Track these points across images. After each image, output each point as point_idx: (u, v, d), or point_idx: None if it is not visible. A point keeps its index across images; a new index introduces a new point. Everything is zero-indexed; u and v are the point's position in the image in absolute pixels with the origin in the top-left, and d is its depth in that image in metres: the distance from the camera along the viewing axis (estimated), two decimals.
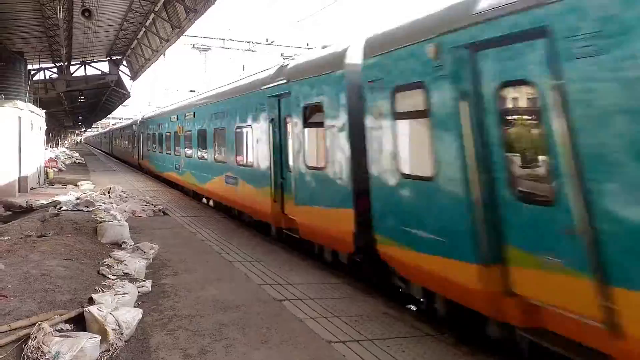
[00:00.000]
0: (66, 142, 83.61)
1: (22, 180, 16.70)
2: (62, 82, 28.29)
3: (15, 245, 8.18)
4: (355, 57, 7.17)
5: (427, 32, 5.51)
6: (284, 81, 9.23)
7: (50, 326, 4.53)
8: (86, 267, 7.20)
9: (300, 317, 5.79)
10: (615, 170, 3.64)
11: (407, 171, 6.01)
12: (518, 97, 4.74)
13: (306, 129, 8.50)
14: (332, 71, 7.63)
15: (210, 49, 38.46)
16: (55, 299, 5.64)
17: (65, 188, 18.63)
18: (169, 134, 20.72)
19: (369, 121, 6.64)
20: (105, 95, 37.96)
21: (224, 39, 35.19)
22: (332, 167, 7.63)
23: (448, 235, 5.28)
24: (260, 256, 8.79)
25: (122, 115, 74.29)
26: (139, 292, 6.23)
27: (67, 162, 36.75)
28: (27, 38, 21.51)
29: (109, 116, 74.07)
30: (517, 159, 4.66)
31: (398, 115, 6.11)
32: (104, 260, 7.57)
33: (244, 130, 11.56)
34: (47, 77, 28.30)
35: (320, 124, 7.98)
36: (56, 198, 14.44)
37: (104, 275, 6.93)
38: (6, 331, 4.66)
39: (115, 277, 6.85)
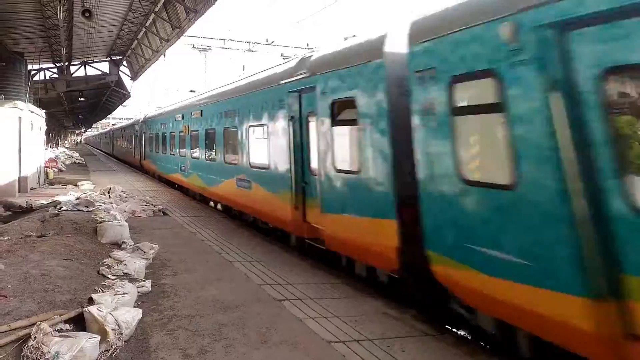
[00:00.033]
0: (66, 142, 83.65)
1: (22, 181, 16.70)
2: (62, 82, 28.30)
3: (15, 245, 8.17)
4: (396, 45, 6.28)
5: (499, 9, 4.60)
6: (307, 74, 8.34)
7: (49, 326, 4.53)
8: (86, 267, 7.20)
9: (300, 317, 5.79)
10: None
11: (473, 177, 5.02)
12: (630, 86, 3.85)
13: (335, 128, 7.55)
14: (367, 61, 6.67)
15: (210, 49, 38.48)
16: (55, 299, 5.64)
17: (65, 188, 18.63)
18: (173, 133, 19.71)
19: (416, 117, 5.60)
20: (105, 95, 37.97)
21: (224, 39, 35.21)
22: (369, 170, 6.69)
23: (538, 258, 4.21)
24: (260, 256, 8.79)
25: (122, 115, 74.36)
26: (138, 292, 6.23)
27: (67, 162, 36.76)
28: (28, 38, 21.52)
29: (109, 116, 74.11)
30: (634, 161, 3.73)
31: (457, 110, 5.14)
32: (104, 261, 7.57)
33: (259, 129, 10.64)
34: (47, 77, 28.32)
35: (352, 122, 7.09)
36: (56, 198, 14.44)
37: (103, 276, 6.93)
38: (6, 331, 4.66)
39: (115, 277, 6.85)
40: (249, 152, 11.19)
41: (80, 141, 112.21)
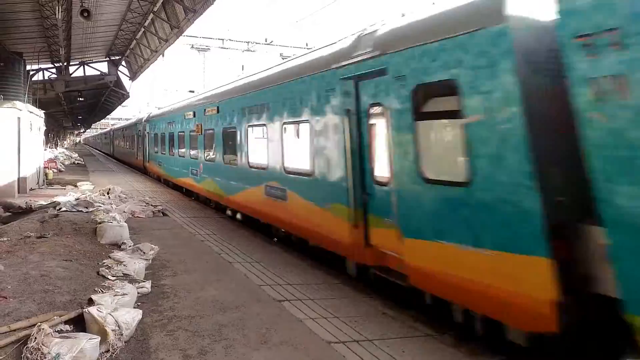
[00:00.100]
0: (65, 142, 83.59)
1: (21, 181, 16.68)
2: (61, 82, 28.32)
3: (15, 246, 8.17)
4: (525, 5, 4.80)
5: None
6: (372, 55, 6.53)
7: (49, 327, 4.53)
8: (86, 268, 7.20)
9: (299, 317, 5.80)
10: None
11: None
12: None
13: (420, 123, 5.74)
14: (480, 28, 4.87)
15: (209, 49, 38.55)
16: (54, 300, 5.64)
17: (65, 189, 18.62)
18: (182, 133, 17.71)
19: (584, 103, 3.83)
20: (104, 95, 37.98)
21: (223, 39, 35.31)
22: (487, 182, 4.82)
23: None
24: (259, 257, 8.79)
25: (121, 115, 74.28)
26: (138, 293, 6.23)
27: (66, 162, 36.72)
28: (26, 38, 21.52)
29: (108, 117, 74.08)
30: None
31: None
32: (104, 261, 7.57)
33: (297, 126, 9.02)
34: (46, 77, 28.36)
35: (451, 114, 5.34)
36: (55, 199, 14.43)
37: (103, 276, 6.92)
38: (6, 332, 4.66)
39: (114, 278, 6.85)
40: (283, 155, 9.31)
41: (79, 142, 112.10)
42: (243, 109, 11.42)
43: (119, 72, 31.76)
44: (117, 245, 8.97)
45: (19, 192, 16.26)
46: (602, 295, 4.09)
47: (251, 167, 10.98)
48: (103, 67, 30.72)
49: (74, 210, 12.22)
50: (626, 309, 3.68)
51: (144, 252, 8.20)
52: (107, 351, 4.57)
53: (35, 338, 4.32)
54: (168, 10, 21.30)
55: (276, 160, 9.60)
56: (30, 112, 18.44)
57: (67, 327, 4.90)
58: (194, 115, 15.96)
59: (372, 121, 6.85)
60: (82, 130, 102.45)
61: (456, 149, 5.32)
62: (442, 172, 5.61)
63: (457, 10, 5.38)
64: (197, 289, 6.75)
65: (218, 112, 13.43)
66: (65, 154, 44.81)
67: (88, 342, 4.36)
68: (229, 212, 13.54)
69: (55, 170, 25.84)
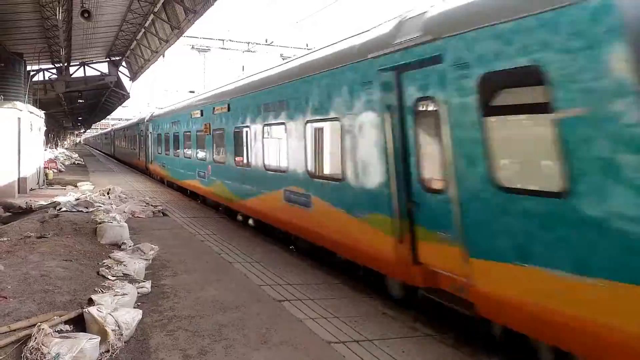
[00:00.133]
0: (65, 143, 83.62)
1: (21, 181, 16.69)
2: (61, 83, 28.34)
3: (15, 246, 8.17)
4: None
5: None
6: (424, 39, 5.53)
7: (49, 327, 4.53)
8: (86, 268, 7.20)
9: (299, 317, 5.80)
10: None
11: None
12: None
13: (490, 119, 4.80)
14: (569, 3, 4.04)
15: (209, 49, 38.60)
16: (54, 300, 5.64)
17: (65, 189, 18.63)
18: (188, 133, 16.77)
19: None
20: (104, 96, 38.04)
21: (223, 40, 35.35)
22: (596, 192, 3.87)
23: None
24: (259, 257, 8.79)
25: (122, 116, 74.30)
26: (138, 293, 6.23)
27: (67, 163, 36.73)
28: (27, 39, 21.54)
29: (108, 117, 74.14)
30: None
31: None
32: (104, 261, 7.57)
33: (324, 125, 8.08)
34: (46, 78, 28.38)
35: (535, 108, 4.52)
36: (55, 199, 14.44)
37: (103, 276, 6.92)
38: (6, 332, 4.66)
39: (114, 278, 6.85)
40: (307, 157, 8.32)
41: (80, 142, 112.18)
42: (258, 106, 10.39)
43: (119, 73, 31.80)
44: (117, 246, 8.97)
45: (19, 192, 16.26)
46: None
47: (267, 169, 10.04)
48: (103, 67, 30.77)
49: (74, 210, 12.22)
50: None
51: (144, 252, 8.20)
52: (107, 351, 4.57)
53: (35, 338, 4.31)
54: (168, 11, 21.33)
55: (298, 162, 8.60)
56: (31, 113, 18.46)
57: (67, 327, 4.90)
58: (202, 114, 14.97)
59: (420, 118, 5.84)
60: (82, 131, 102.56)
61: (545, 150, 4.35)
62: (525, 179, 4.71)
63: None
64: (197, 289, 6.75)
65: (229, 110, 12.46)
66: (66, 154, 44.83)
67: (88, 342, 4.36)
68: (239, 217, 12.79)
69: (55, 171, 25.86)
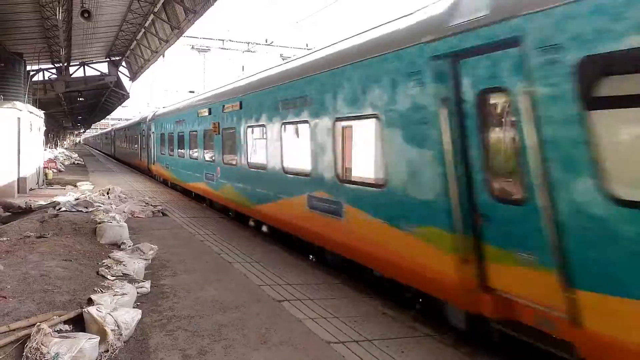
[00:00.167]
0: (65, 143, 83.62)
1: (21, 181, 16.70)
2: (61, 83, 28.35)
3: (15, 246, 8.17)
4: None
5: None
6: (495, 19, 4.65)
7: (49, 327, 4.53)
8: (85, 268, 7.20)
9: (299, 317, 5.80)
10: None
11: None
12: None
13: (598, 113, 3.86)
14: None
15: (209, 49, 38.69)
16: (54, 300, 5.64)
17: (64, 189, 18.63)
18: (195, 133, 15.75)
19: None
20: (104, 96, 38.05)
21: (223, 40, 35.40)
22: None
23: None
24: (259, 257, 8.79)
25: (121, 116, 74.29)
26: (138, 293, 6.23)
27: (66, 162, 36.73)
28: (27, 39, 21.54)
29: (107, 117, 74.13)
30: None
31: None
32: (103, 261, 7.57)
33: (359, 123, 7.09)
34: (46, 78, 28.38)
35: None
36: (55, 199, 14.45)
37: (103, 276, 6.92)
38: (5, 332, 4.66)
39: (114, 277, 6.85)
40: (337, 159, 7.40)
41: (79, 142, 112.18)
42: (276, 103, 9.40)
43: (119, 73, 31.82)
44: (117, 245, 8.97)
45: (18, 192, 16.26)
46: None
47: (287, 172, 9.04)
48: (103, 67, 30.78)
49: (74, 210, 12.22)
50: None
51: (144, 252, 8.19)
52: (107, 351, 4.57)
53: (35, 338, 4.31)
54: (168, 11, 21.34)
55: (325, 165, 7.66)
56: (30, 113, 18.46)
57: (67, 327, 4.90)
58: (210, 113, 13.98)
59: (486, 113, 4.92)
60: (82, 131, 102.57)
61: None
62: None
63: None
64: (197, 289, 6.75)
65: (241, 108, 11.43)
66: (65, 154, 44.83)
67: (87, 342, 4.36)
68: (251, 223, 11.80)
69: (55, 170, 25.86)
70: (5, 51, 19.93)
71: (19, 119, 16.44)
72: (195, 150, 15.78)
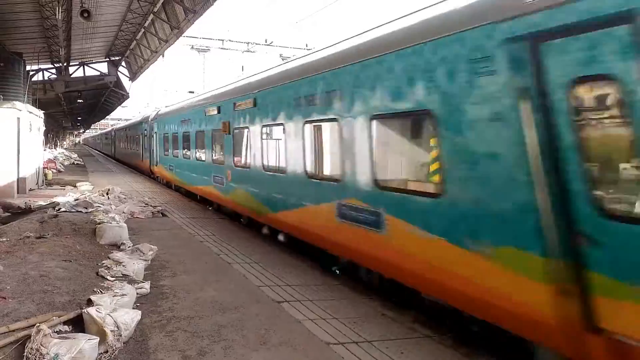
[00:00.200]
0: (65, 143, 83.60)
1: (20, 182, 16.69)
2: (60, 83, 28.36)
3: (14, 246, 8.17)
4: None
5: None
6: None
7: (48, 327, 4.53)
8: (85, 269, 7.20)
9: (298, 318, 5.80)
10: None
11: None
12: None
13: None
14: None
15: (209, 49, 38.66)
16: (53, 300, 5.64)
17: (64, 189, 18.63)
18: (201, 132, 14.84)
19: None
20: (104, 96, 38.04)
21: (222, 40, 35.39)
22: None
23: None
24: (258, 257, 8.79)
25: (121, 116, 74.28)
26: (137, 294, 6.23)
27: (66, 163, 36.74)
28: (26, 39, 21.55)
29: (107, 117, 74.11)
30: None
31: None
32: (103, 262, 7.57)
33: (404, 121, 6.42)
34: (45, 78, 28.39)
35: None
36: (55, 199, 14.44)
37: (102, 277, 6.92)
38: (5, 332, 4.66)
39: (113, 278, 6.86)
40: (376, 163, 6.44)
41: (79, 142, 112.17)
42: (297, 100, 8.46)
43: (118, 73, 31.83)
44: (117, 246, 8.97)
45: (18, 193, 16.26)
46: None
47: (311, 177, 8.11)
48: (103, 67, 30.80)
49: (73, 210, 12.22)
50: None
51: (143, 253, 8.20)
52: (106, 352, 4.57)
53: (35, 338, 4.31)
54: (168, 10, 21.34)
55: (360, 169, 6.70)
56: (30, 113, 18.46)
57: (66, 327, 4.90)
58: (219, 111, 13.01)
59: (585, 107, 4.10)
60: (81, 131, 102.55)
61: None
62: None
63: None
64: (197, 290, 6.75)
65: (255, 105, 10.39)
66: (65, 155, 44.84)
67: (87, 343, 4.36)
68: (265, 231, 10.76)
69: (54, 171, 25.86)
70: (4, 51, 19.93)
71: (18, 119, 16.43)
72: (202, 151, 14.88)
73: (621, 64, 3.65)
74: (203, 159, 14.78)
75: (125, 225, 10.02)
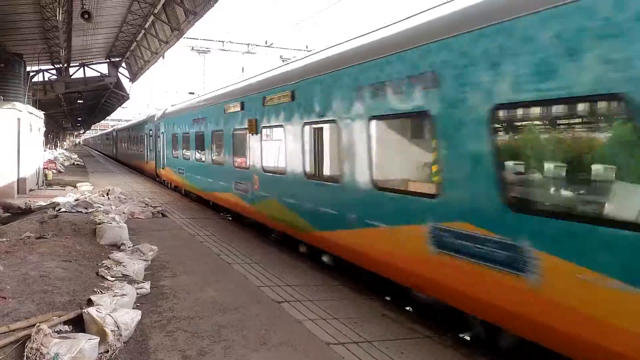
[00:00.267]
0: (65, 143, 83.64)
1: (20, 182, 16.71)
2: (61, 83, 28.39)
3: (14, 246, 8.17)
4: None
5: None
6: None
7: (49, 327, 4.53)
8: (85, 269, 7.20)
9: (299, 318, 5.80)
10: None
11: None
12: None
13: None
14: None
15: (209, 51, 38.76)
16: (54, 301, 5.64)
17: (64, 189, 18.64)
18: (219, 133, 13.10)
19: None
20: (104, 97, 38.08)
21: (223, 41, 35.46)
22: None
23: None
24: (259, 258, 8.79)
25: (121, 117, 74.31)
26: (137, 294, 6.23)
27: (66, 163, 36.75)
28: (27, 40, 21.58)
29: (107, 118, 74.16)
30: None
31: None
32: (103, 262, 7.57)
33: (567, 109, 4.44)
34: (46, 78, 28.43)
35: None
36: (55, 199, 14.45)
37: (102, 277, 6.92)
38: (5, 332, 4.66)
39: (114, 278, 6.86)
40: (505, 171, 4.65)
41: (79, 143, 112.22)
42: (357, 89, 6.72)
43: (119, 74, 31.88)
44: (117, 246, 8.97)
45: (18, 193, 16.27)
46: None
47: (381, 189, 6.32)
48: (103, 68, 30.88)
49: (74, 211, 12.23)
50: None
51: (144, 253, 8.20)
52: (106, 352, 4.57)
53: (35, 338, 4.31)
54: (168, 12, 21.38)
55: (477, 181, 4.80)
56: (30, 113, 18.47)
57: (66, 327, 4.90)
58: (242, 108, 11.39)
59: None
60: (81, 132, 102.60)
61: None
62: None
63: None
64: (197, 290, 6.75)
65: (293, 99, 8.73)
66: (65, 155, 44.86)
67: (87, 343, 4.36)
68: (303, 250, 9.14)
69: (54, 171, 25.88)
70: (5, 52, 19.96)
71: (18, 119, 16.45)
72: (220, 153, 13.13)
73: None
74: (221, 162, 13.01)
75: (125, 225, 10.02)
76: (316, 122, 8.10)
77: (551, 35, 4.11)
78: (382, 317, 5.97)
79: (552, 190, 4.55)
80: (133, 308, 5.70)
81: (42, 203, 13.98)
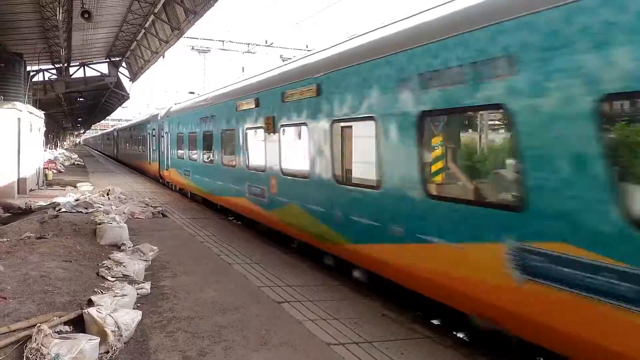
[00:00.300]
0: (65, 143, 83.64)
1: (21, 182, 16.71)
2: (61, 83, 28.40)
3: (14, 246, 8.17)
4: None
5: None
6: None
7: (49, 328, 4.54)
8: (85, 269, 7.20)
9: (299, 319, 5.80)
10: None
11: None
12: None
13: None
14: None
15: (209, 50, 38.77)
16: (54, 301, 5.64)
17: (64, 189, 18.64)
18: (230, 132, 12.22)
19: None
20: (104, 96, 38.08)
21: (223, 41, 35.48)
22: None
23: None
24: (259, 258, 8.79)
25: (121, 116, 74.32)
26: (138, 294, 6.24)
27: (66, 163, 36.75)
28: (27, 39, 21.59)
29: (108, 117, 74.16)
30: None
31: None
32: (103, 262, 7.57)
33: None
34: (46, 78, 28.44)
35: None
36: (55, 200, 14.45)
37: (103, 277, 6.93)
38: (5, 333, 4.66)
39: (114, 278, 6.86)
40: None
41: (79, 143, 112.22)
42: (404, 80, 5.77)
43: (119, 73, 31.89)
44: (117, 246, 8.97)
45: (18, 193, 16.27)
46: None
47: (438, 198, 5.44)
48: (103, 68, 30.88)
49: (74, 211, 12.23)
50: None
51: (144, 253, 8.21)
52: (107, 352, 4.58)
53: (35, 339, 4.32)
54: (168, 11, 21.38)
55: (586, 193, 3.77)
56: (30, 113, 18.47)
57: (67, 327, 4.91)
58: (257, 105, 10.44)
59: None
60: (82, 131, 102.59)
61: None
62: None
63: None
64: (197, 290, 6.75)
65: (319, 94, 7.81)
66: (65, 155, 44.85)
67: (87, 343, 4.36)
68: (329, 262, 8.28)
69: (54, 171, 25.87)
70: (5, 51, 19.96)
71: (19, 119, 16.44)
72: (231, 154, 12.25)
73: None
74: (233, 164, 12.12)
75: (125, 225, 10.02)
76: (349, 120, 7.20)
77: None
78: (382, 317, 5.98)
79: None
80: (133, 308, 5.70)
81: (42, 203, 13.99)
